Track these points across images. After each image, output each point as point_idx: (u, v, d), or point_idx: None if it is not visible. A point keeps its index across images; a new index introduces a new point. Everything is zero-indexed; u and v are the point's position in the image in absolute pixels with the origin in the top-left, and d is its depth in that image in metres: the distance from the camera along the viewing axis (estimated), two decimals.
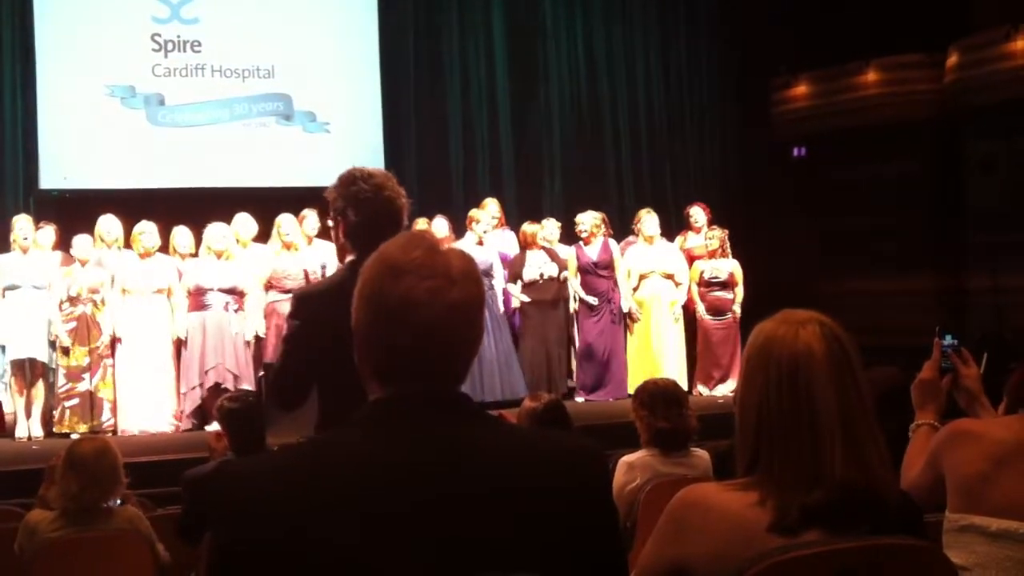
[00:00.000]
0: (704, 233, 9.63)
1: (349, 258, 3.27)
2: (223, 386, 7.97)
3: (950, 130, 12.26)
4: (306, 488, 1.45)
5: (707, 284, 9.40)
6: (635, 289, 9.31)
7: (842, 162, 12.91)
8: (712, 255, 9.45)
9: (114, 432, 8.09)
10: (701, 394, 9.25)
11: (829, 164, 13.06)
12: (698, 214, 9.80)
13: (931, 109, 12.39)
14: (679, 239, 9.91)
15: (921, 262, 12.15)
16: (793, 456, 1.77)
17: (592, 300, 9.22)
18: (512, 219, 9.99)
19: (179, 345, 8.33)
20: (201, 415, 8.15)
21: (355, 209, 3.19)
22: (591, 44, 12.56)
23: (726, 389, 9.18)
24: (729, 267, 9.47)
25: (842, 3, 12.55)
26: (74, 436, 7.55)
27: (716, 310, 9.40)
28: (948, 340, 2.74)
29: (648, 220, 9.42)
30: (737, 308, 9.43)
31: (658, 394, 4.22)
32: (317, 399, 3.22)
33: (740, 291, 9.46)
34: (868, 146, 12.72)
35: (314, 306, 3.20)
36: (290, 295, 7.87)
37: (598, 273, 9.27)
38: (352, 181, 3.21)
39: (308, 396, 3.24)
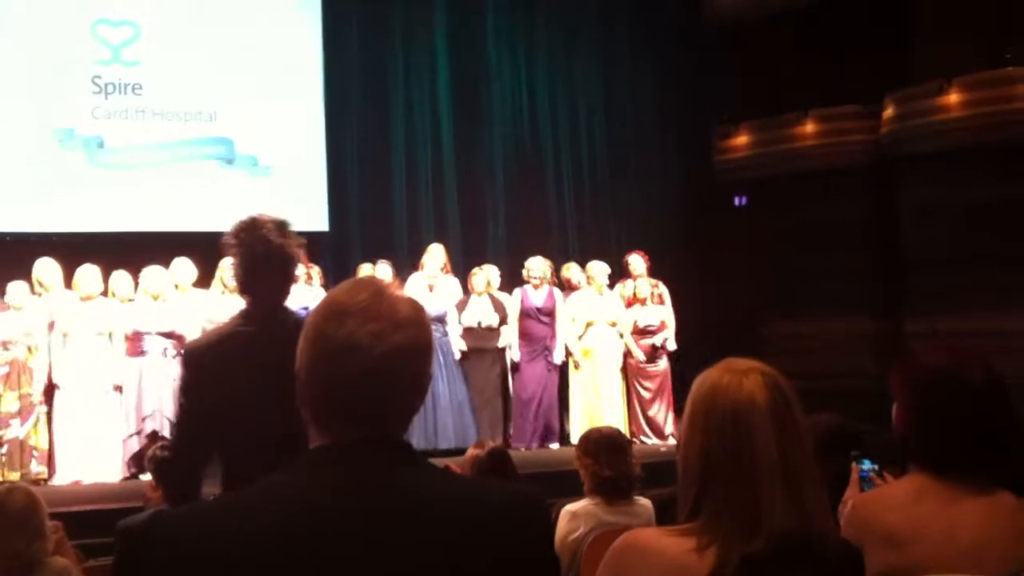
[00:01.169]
0: (640, 281, 9.73)
1: (241, 307, 3.27)
2: (161, 433, 7.84)
3: (887, 179, 12.51)
4: (240, 538, 1.42)
5: (641, 332, 9.51)
6: (580, 336, 9.35)
7: (783, 209, 13.11)
8: (644, 303, 9.57)
9: (46, 481, 7.90)
10: (643, 442, 9.27)
11: (770, 211, 13.26)
12: (637, 262, 9.89)
13: (868, 157, 12.65)
14: (619, 287, 9.98)
15: (860, 306, 12.35)
16: (734, 504, 1.77)
17: (518, 352, 9.21)
18: (456, 264, 9.98)
19: (116, 391, 8.18)
20: (140, 463, 8.00)
21: (240, 257, 3.19)
22: (534, 90, 12.67)
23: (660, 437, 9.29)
24: (661, 315, 9.58)
25: (782, 55, 12.80)
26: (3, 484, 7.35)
27: (650, 357, 9.51)
28: (867, 465, 2.77)
29: (598, 269, 9.49)
30: (665, 356, 9.56)
31: (602, 442, 4.22)
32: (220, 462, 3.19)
33: (670, 335, 9.57)
34: (807, 193, 12.95)
35: (205, 358, 3.18)
36: None
37: (540, 319, 9.29)
38: (241, 229, 3.21)
39: (206, 458, 3.21)
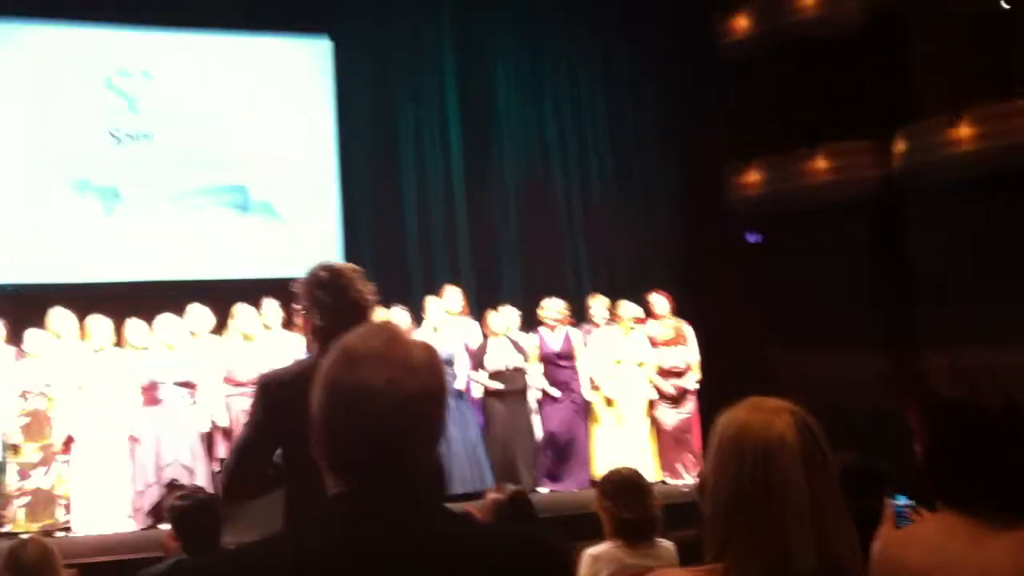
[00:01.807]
0: (663, 321, 9.69)
1: (313, 351, 3.27)
2: (178, 483, 7.81)
3: (899, 213, 12.50)
4: None
5: (665, 373, 9.46)
6: (608, 375, 9.31)
7: (795, 244, 13.10)
8: (669, 344, 9.53)
9: (68, 530, 7.89)
10: (666, 483, 9.20)
11: (782, 247, 13.24)
12: (659, 302, 9.86)
13: (879, 192, 12.65)
14: (640, 327, 9.95)
15: (873, 341, 12.28)
16: (763, 544, 1.76)
17: (554, 391, 9.20)
18: (470, 307, 9.97)
19: (133, 442, 8.17)
20: (158, 513, 7.98)
21: (320, 312, 3.20)
22: (543, 130, 12.71)
23: (686, 479, 9.22)
24: (685, 355, 9.54)
25: (791, 89, 12.84)
26: (23, 536, 7.33)
27: (673, 399, 9.45)
28: (902, 500, 2.74)
29: (628, 308, 9.48)
30: (690, 397, 9.50)
31: (622, 484, 4.19)
32: (284, 491, 3.17)
33: (693, 377, 9.52)
34: (819, 228, 12.93)
35: (277, 390, 3.18)
36: (245, 388, 7.84)
37: (559, 363, 9.27)
38: (318, 284, 3.23)
39: (259, 485, 3.20)
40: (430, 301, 9.37)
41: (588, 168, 12.90)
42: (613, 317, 9.60)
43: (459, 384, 8.98)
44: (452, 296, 9.55)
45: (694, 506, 4.73)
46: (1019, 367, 9.95)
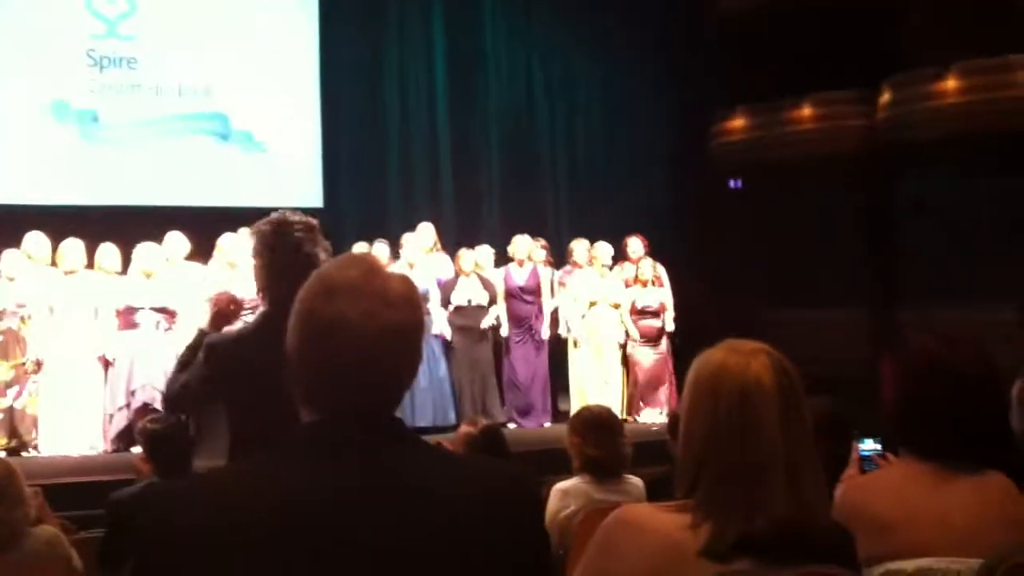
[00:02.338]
0: (642, 263, 9.74)
1: (262, 308, 3.24)
2: (151, 406, 7.81)
3: (883, 165, 12.50)
4: (234, 515, 1.40)
5: (640, 313, 9.53)
6: (582, 316, 9.36)
7: (778, 195, 13.09)
8: (645, 284, 9.59)
9: (36, 448, 7.90)
10: (636, 421, 9.30)
11: (765, 196, 13.24)
12: (636, 245, 9.89)
13: (864, 144, 12.63)
14: (617, 268, 9.98)
15: (855, 294, 12.34)
16: (735, 485, 1.77)
17: (506, 328, 9.23)
18: (449, 244, 9.96)
19: (106, 365, 8.15)
20: (128, 436, 7.98)
21: (265, 260, 3.15)
22: (531, 73, 12.63)
23: (657, 416, 9.31)
24: (660, 296, 9.61)
25: (779, 40, 12.75)
26: None
27: (647, 338, 9.51)
28: (869, 444, 2.75)
29: (602, 250, 9.52)
30: (665, 337, 9.58)
31: (592, 421, 4.22)
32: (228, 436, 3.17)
33: (669, 317, 9.59)
34: (803, 179, 12.92)
35: (223, 353, 3.17)
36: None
37: (523, 298, 9.30)
38: (262, 239, 3.18)
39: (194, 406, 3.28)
40: (406, 236, 9.36)
41: (574, 113, 12.85)
42: (588, 259, 9.62)
43: (436, 324, 9.00)
44: (425, 232, 9.54)
45: (664, 444, 4.79)
46: (1002, 324, 10.09)
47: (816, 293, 12.37)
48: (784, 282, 12.63)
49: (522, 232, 9.89)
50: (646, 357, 9.55)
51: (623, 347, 9.57)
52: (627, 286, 9.71)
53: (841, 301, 12.27)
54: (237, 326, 3.51)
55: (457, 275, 9.29)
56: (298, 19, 11.54)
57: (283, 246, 3.14)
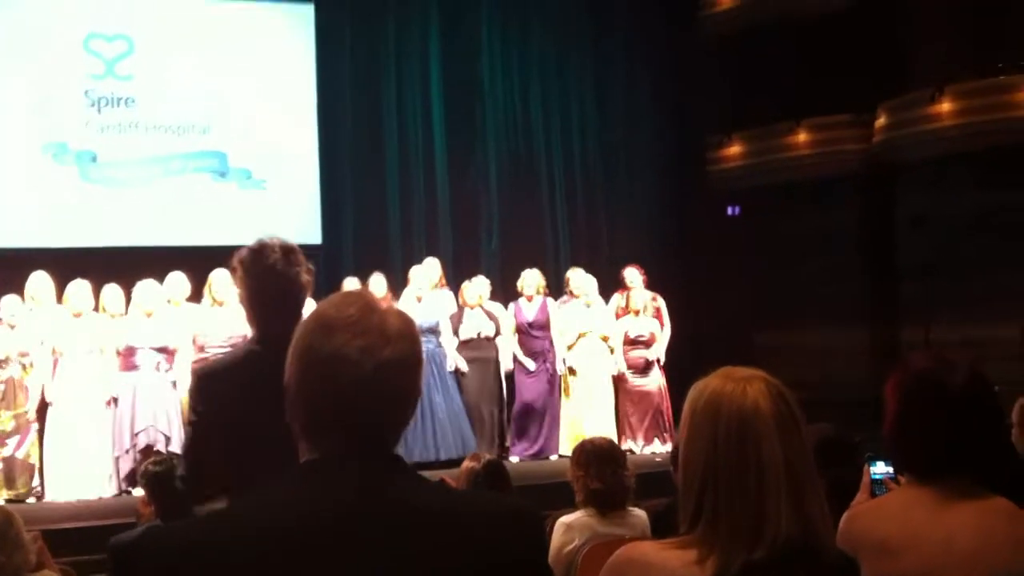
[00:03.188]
0: (635, 293, 9.73)
1: (251, 334, 3.23)
2: (155, 448, 7.79)
3: (879, 186, 12.54)
4: (231, 552, 1.40)
5: (632, 343, 9.52)
6: (571, 347, 9.35)
7: (776, 219, 13.12)
8: (637, 314, 9.58)
9: (40, 498, 7.86)
10: (633, 452, 9.25)
11: (763, 220, 13.27)
12: (633, 275, 9.89)
13: (860, 166, 12.68)
14: (616, 297, 9.98)
15: (855, 316, 12.35)
16: (737, 513, 1.75)
17: (529, 363, 9.24)
18: (449, 277, 9.98)
19: (110, 407, 8.13)
20: (134, 479, 7.96)
21: (246, 286, 3.15)
22: (528, 102, 12.68)
23: (654, 448, 9.32)
24: (652, 327, 9.59)
25: (774, 65, 12.82)
26: None
27: (637, 368, 9.51)
28: (879, 467, 2.74)
29: (586, 281, 9.50)
30: (657, 367, 9.57)
31: (595, 454, 4.20)
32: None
33: (659, 348, 9.58)
34: (801, 202, 12.96)
35: (212, 383, 3.15)
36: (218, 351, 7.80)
37: (532, 333, 9.32)
38: (248, 257, 3.16)
39: (219, 483, 3.11)
40: (414, 271, 9.37)
41: (571, 141, 12.87)
42: (570, 291, 9.64)
43: (448, 361, 9.00)
44: (430, 267, 9.57)
45: (667, 475, 4.76)
46: (1000, 342, 10.09)
47: (817, 316, 12.38)
48: (784, 306, 12.64)
49: (522, 261, 9.89)
50: (640, 387, 9.52)
51: (615, 378, 9.54)
52: (623, 315, 9.70)
53: (842, 323, 12.27)
54: (224, 354, 3.48)
55: (462, 308, 9.29)
56: (295, 56, 11.59)
57: (263, 271, 3.12)
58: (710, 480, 1.79)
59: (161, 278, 8.59)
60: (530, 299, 9.42)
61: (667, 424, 9.42)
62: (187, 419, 3.31)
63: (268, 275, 3.11)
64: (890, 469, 2.73)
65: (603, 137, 13.02)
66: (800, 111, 12.94)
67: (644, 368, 9.53)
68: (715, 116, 13.57)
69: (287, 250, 3.17)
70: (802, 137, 13.17)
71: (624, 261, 10.39)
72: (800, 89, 12.72)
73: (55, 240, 10.26)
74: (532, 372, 9.29)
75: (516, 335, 9.35)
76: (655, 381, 9.57)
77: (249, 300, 3.18)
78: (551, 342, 9.35)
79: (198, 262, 9.00)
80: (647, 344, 9.57)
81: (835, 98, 12.63)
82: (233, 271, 3.20)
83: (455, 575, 1.45)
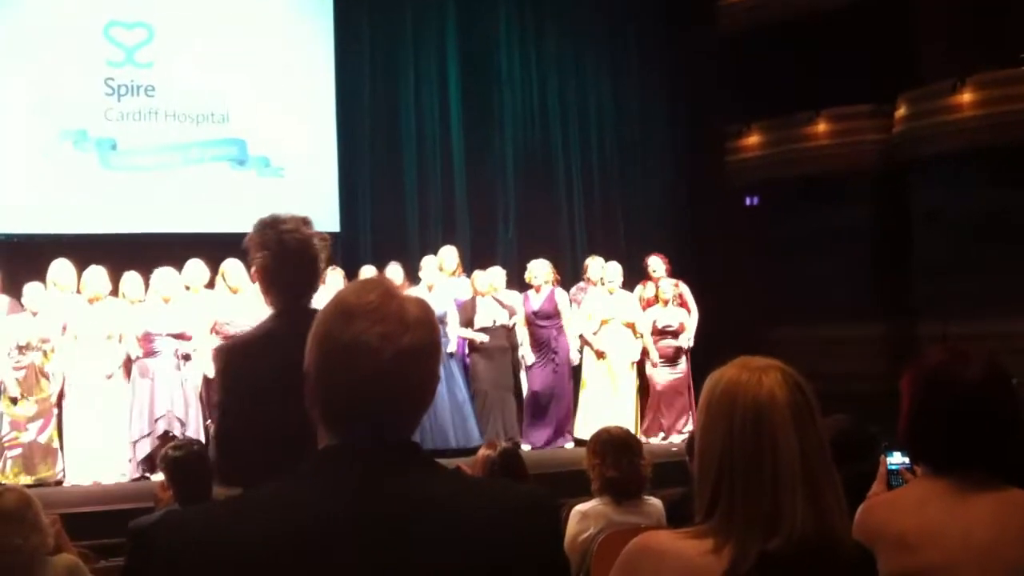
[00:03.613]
0: (663, 283, 9.71)
1: (272, 309, 3.22)
2: (172, 434, 7.84)
3: (898, 179, 12.48)
4: (248, 541, 1.41)
5: (660, 333, 9.50)
6: (594, 334, 9.35)
7: (794, 210, 13.07)
8: (665, 304, 9.56)
9: (61, 483, 7.92)
10: (650, 442, 9.25)
11: (781, 212, 13.22)
12: (656, 263, 9.88)
13: (879, 158, 12.61)
14: (639, 288, 9.98)
15: (870, 309, 12.30)
16: (753, 503, 1.75)
17: (530, 356, 9.25)
18: (466, 266, 9.99)
19: (128, 392, 8.18)
20: (151, 464, 8.02)
21: (265, 252, 3.14)
22: (545, 93, 12.67)
23: (676, 438, 9.29)
24: (680, 316, 9.58)
25: (793, 54, 12.76)
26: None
27: (666, 358, 9.49)
28: (896, 458, 2.73)
29: (612, 269, 9.49)
30: (684, 357, 9.54)
31: (611, 443, 4.21)
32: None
33: (687, 336, 9.55)
34: (818, 194, 12.91)
35: (241, 357, 3.15)
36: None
37: (538, 323, 9.31)
38: (262, 228, 3.16)
39: (256, 467, 3.11)
40: (426, 260, 9.38)
41: (588, 132, 12.86)
42: (589, 279, 9.63)
43: (451, 345, 9.03)
44: (448, 255, 9.58)
45: (684, 465, 4.76)
46: (1017, 337, 10.04)
47: (833, 309, 12.34)
48: (800, 299, 12.60)
49: (538, 251, 9.89)
50: (664, 377, 9.52)
51: (639, 366, 9.54)
52: (648, 305, 9.68)
53: (858, 316, 12.23)
54: (245, 330, 3.46)
55: (474, 296, 9.30)
56: (314, 44, 11.60)
57: (275, 239, 3.11)
58: (726, 470, 1.79)
59: (180, 265, 8.65)
60: (538, 289, 9.42)
61: (689, 414, 9.40)
62: (215, 400, 3.30)
63: (281, 243, 3.11)
64: (907, 460, 2.72)
65: (619, 128, 13.00)
66: (820, 101, 12.88)
67: (674, 357, 9.52)
68: (733, 106, 13.51)
69: (302, 219, 3.18)
70: (821, 127, 13.11)
71: (640, 252, 10.38)
72: (820, 80, 12.66)
73: (75, 227, 10.30)
74: (538, 363, 9.28)
75: (525, 326, 9.34)
76: (681, 370, 9.55)
77: (264, 271, 3.16)
78: (558, 331, 9.34)
79: (216, 249, 9.02)
80: (675, 334, 9.55)
81: (855, 89, 12.56)
82: (247, 247, 3.21)
83: (472, 566, 1.45)
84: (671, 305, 9.59)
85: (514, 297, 9.48)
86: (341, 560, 1.40)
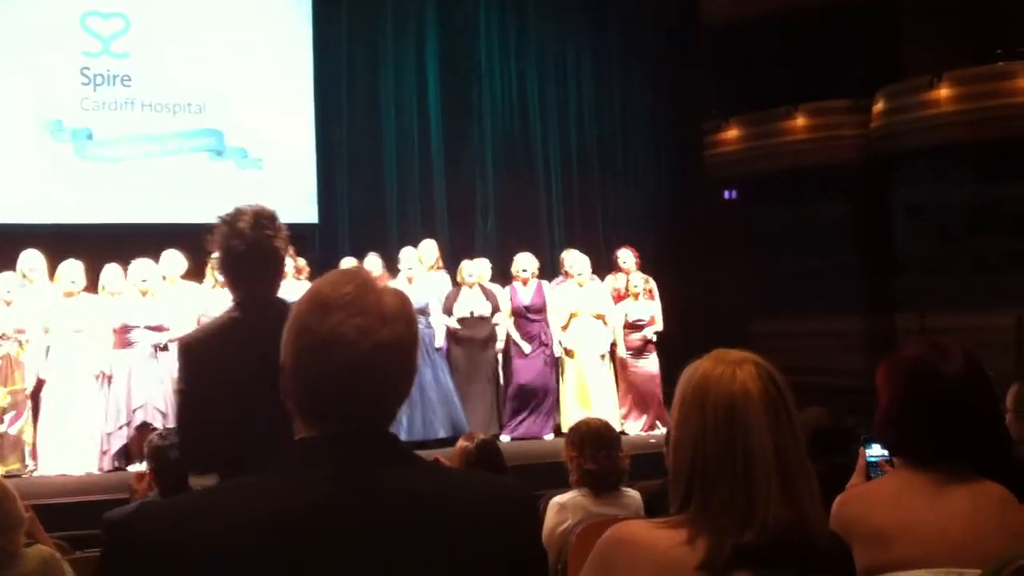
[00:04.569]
0: (633, 276, 9.73)
1: (231, 301, 3.24)
2: (152, 425, 7.79)
3: (877, 174, 12.53)
4: (223, 532, 1.40)
5: (631, 326, 9.52)
6: (564, 328, 9.37)
7: (772, 204, 13.12)
8: (636, 297, 9.59)
9: (31, 475, 7.87)
10: (627, 433, 9.26)
11: (759, 206, 13.26)
12: (627, 256, 9.90)
13: (858, 153, 12.67)
14: (609, 279, 9.99)
15: (849, 303, 12.36)
16: (727, 495, 1.76)
17: (525, 346, 9.26)
18: (445, 258, 9.97)
19: (103, 383, 8.13)
20: (125, 455, 7.97)
21: (220, 253, 3.16)
22: (524, 85, 12.66)
23: (648, 427, 9.37)
24: (651, 309, 9.60)
25: (772, 49, 12.79)
26: None
27: (635, 350, 9.50)
28: (875, 449, 2.74)
29: (580, 261, 9.51)
30: (653, 347, 9.57)
31: (589, 435, 4.21)
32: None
33: (652, 329, 9.57)
34: (797, 189, 12.96)
35: (197, 351, 3.15)
36: None
37: (528, 316, 9.32)
38: (220, 224, 3.16)
39: (218, 458, 3.12)
40: (405, 251, 9.35)
41: (568, 124, 12.86)
42: (564, 272, 9.64)
43: (439, 339, 9.02)
44: (427, 248, 9.55)
45: (662, 457, 4.77)
46: (994, 331, 10.10)
47: (811, 302, 12.39)
48: (779, 292, 12.65)
49: (518, 244, 9.88)
50: (637, 369, 9.55)
51: (613, 358, 9.55)
52: (618, 299, 9.70)
53: (837, 310, 12.29)
54: (205, 322, 3.47)
55: (459, 286, 9.29)
56: (292, 35, 11.56)
57: (232, 236, 3.11)
58: (699, 462, 1.79)
59: (157, 256, 8.57)
60: (525, 283, 9.41)
61: (661, 405, 9.43)
62: (176, 391, 3.31)
63: (237, 240, 3.12)
64: (886, 452, 2.73)
65: (599, 121, 13.02)
66: (798, 96, 12.92)
67: (641, 349, 9.55)
68: (713, 100, 13.54)
69: (260, 215, 3.17)
70: (800, 122, 13.15)
71: (618, 246, 10.39)
72: (799, 74, 12.70)
73: (51, 217, 10.24)
74: (529, 354, 9.30)
75: (512, 318, 9.34)
76: (653, 363, 9.58)
77: (223, 265, 3.20)
78: (547, 323, 9.36)
79: (194, 240, 8.87)
80: (642, 327, 9.58)
81: (834, 84, 12.61)
82: (208, 240, 3.22)
83: (449, 558, 1.45)
84: (642, 298, 9.62)
85: (498, 290, 9.47)
86: (317, 551, 1.39)
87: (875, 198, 12.60)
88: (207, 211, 9.47)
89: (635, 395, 9.54)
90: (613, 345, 9.55)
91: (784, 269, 12.71)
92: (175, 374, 7.93)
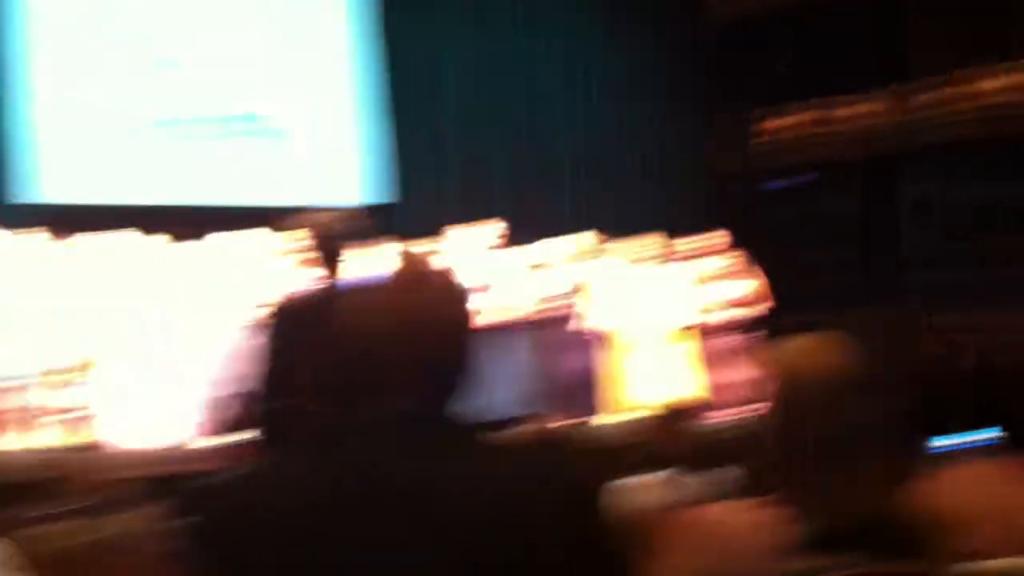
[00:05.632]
0: (715, 257, 9.77)
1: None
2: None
3: (886, 171, 12.39)
4: (264, 513, 1.42)
5: (715, 305, 9.53)
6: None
7: (779, 199, 12.99)
8: (719, 278, 9.66)
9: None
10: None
11: (767, 201, 13.12)
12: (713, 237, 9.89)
13: (866, 150, 12.50)
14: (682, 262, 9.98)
15: (858, 298, 12.20)
16: (815, 478, 1.76)
17: (567, 325, 9.23)
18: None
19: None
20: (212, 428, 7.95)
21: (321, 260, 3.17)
22: (550, 72, 12.62)
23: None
24: (738, 290, 9.76)
25: (782, 43, 12.63)
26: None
27: (722, 330, 9.46)
28: (945, 440, 2.72)
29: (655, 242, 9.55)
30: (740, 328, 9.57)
31: (669, 416, 4.21)
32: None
33: (742, 309, 9.67)
34: (805, 183, 12.83)
35: (292, 315, 3.19)
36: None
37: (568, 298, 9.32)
38: (319, 233, 3.20)
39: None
40: (459, 232, 9.31)
41: (576, 117, 12.76)
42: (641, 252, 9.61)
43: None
44: (486, 230, 9.48)
45: (745, 437, 4.75)
46: (1003, 330, 9.96)
47: (820, 297, 12.24)
48: (785, 289, 12.49)
49: (548, 233, 9.85)
50: (718, 348, 9.45)
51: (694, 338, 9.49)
52: (702, 280, 9.66)
53: (845, 305, 12.13)
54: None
55: (501, 272, 9.27)
56: (330, 11, 11.44)
57: (329, 240, 3.18)
58: (789, 445, 1.80)
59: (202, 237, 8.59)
60: (566, 264, 9.45)
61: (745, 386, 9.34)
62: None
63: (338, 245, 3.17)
64: (955, 441, 2.72)
65: (606, 121, 12.84)
66: (807, 92, 12.74)
67: (726, 329, 9.47)
68: (718, 96, 13.35)
69: (360, 220, 3.26)
70: (808, 117, 12.99)
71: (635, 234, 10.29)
72: (808, 70, 12.54)
73: (103, 198, 10.06)
74: (570, 334, 9.27)
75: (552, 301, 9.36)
76: (735, 342, 9.45)
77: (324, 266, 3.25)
78: (589, 304, 9.36)
79: (238, 222, 8.92)
80: (727, 307, 9.62)
81: (844, 79, 12.43)
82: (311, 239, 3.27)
83: (490, 542, 1.41)
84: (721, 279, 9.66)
85: (540, 273, 9.46)
86: (358, 534, 1.38)
87: (883, 195, 12.45)
88: (250, 194, 9.43)
89: (717, 375, 9.46)
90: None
91: (790, 266, 12.54)
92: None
